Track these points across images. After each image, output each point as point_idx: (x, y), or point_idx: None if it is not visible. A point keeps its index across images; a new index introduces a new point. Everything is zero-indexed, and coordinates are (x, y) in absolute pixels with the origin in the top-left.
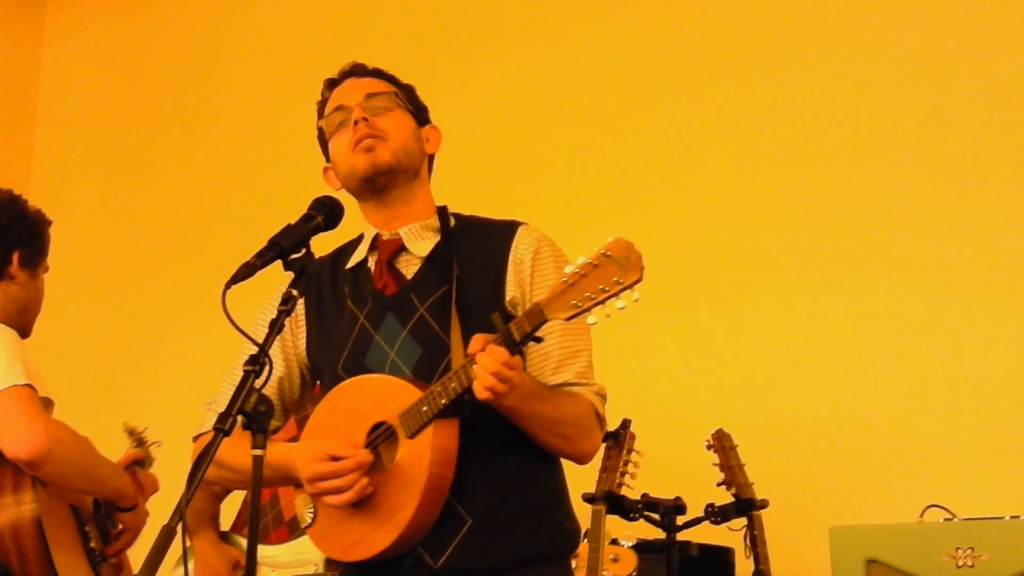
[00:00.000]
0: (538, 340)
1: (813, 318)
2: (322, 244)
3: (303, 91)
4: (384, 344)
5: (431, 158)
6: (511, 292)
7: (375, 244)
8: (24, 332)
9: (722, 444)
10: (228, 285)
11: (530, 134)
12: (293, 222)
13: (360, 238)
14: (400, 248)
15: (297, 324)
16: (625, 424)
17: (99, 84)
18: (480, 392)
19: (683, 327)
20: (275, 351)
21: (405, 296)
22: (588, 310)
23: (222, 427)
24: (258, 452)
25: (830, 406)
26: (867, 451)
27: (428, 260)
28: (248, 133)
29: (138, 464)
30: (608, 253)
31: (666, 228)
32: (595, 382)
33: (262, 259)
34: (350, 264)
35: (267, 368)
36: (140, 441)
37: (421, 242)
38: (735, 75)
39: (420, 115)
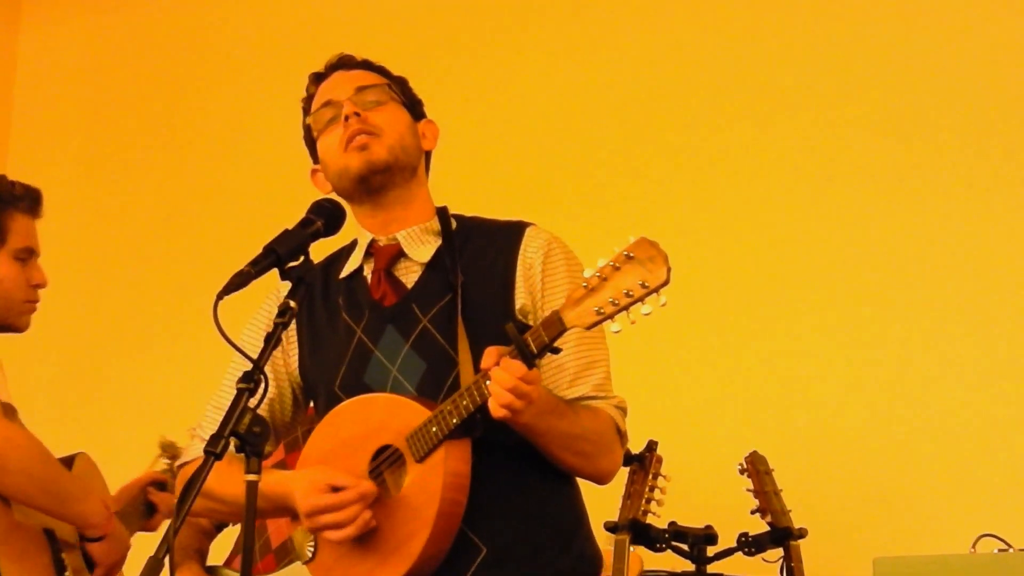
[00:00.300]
0: (556, 351)
1: (856, 331)
2: (319, 251)
3: (295, 84)
4: (385, 360)
5: (428, 155)
6: (521, 299)
7: (371, 250)
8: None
9: (757, 468)
10: (220, 296)
11: (539, 130)
12: (290, 227)
13: (354, 244)
14: (399, 254)
15: (288, 340)
16: (651, 446)
17: (77, 78)
18: (496, 410)
19: (713, 339)
20: (265, 370)
21: (406, 307)
22: (612, 317)
23: (213, 450)
24: (253, 477)
25: (874, 426)
26: (914, 476)
27: (430, 266)
28: (239, 129)
29: (159, 486)
30: (631, 254)
31: (694, 231)
32: (614, 394)
33: (257, 267)
34: (344, 273)
35: (263, 386)
36: (173, 457)
37: (421, 247)
38: (769, 71)
39: (415, 109)
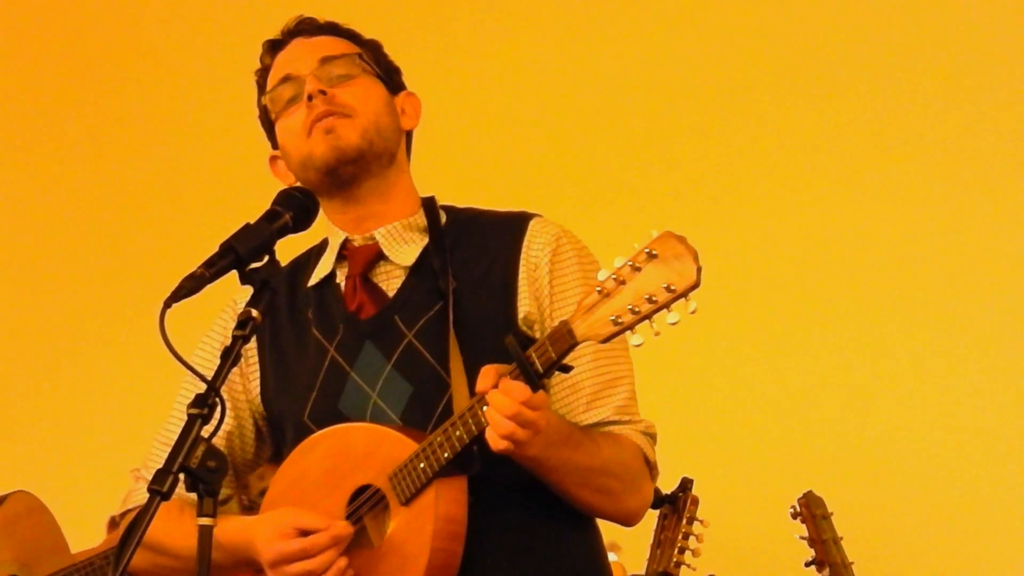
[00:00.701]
0: (567, 370)
1: (927, 354)
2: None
3: (251, 52)
4: (363, 383)
5: (409, 135)
6: (525, 307)
7: (344, 252)
8: None
9: (812, 512)
10: (168, 303)
11: (543, 109)
12: (252, 221)
13: (324, 245)
14: (377, 256)
15: (247, 362)
16: (685, 485)
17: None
18: (496, 442)
19: (759, 355)
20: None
21: (387, 319)
22: (632, 327)
23: (159, 488)
24: (206, 521)
25: (949, 464)
26: (993, 523)
27: (414, 270)
28: (187, 106)
29: None
30: (654, 252)
31: (739, 231)
32: (640, 418)
33: (212, 269)
34: (313, 280)
35: (218, 411)
36: None
37: (404, 247)
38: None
39: (391, 80)
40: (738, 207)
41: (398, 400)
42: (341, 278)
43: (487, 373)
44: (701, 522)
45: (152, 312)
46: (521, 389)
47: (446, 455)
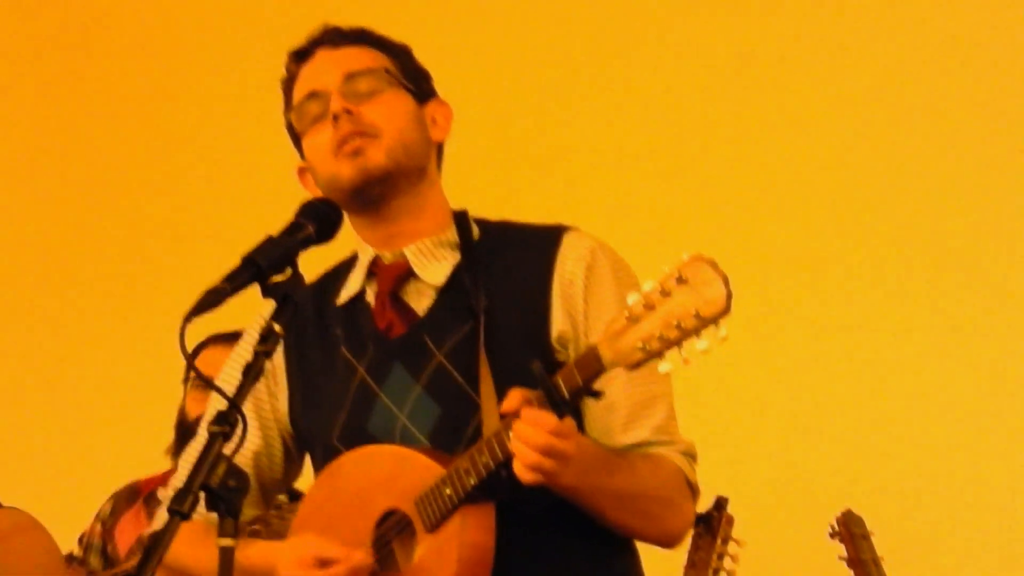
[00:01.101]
0: (595, 395)
1: (972, 370)
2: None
3: (272, 50)
4: (391, 404)
5: (440, 147)
6: (559, 326)
7: (374, 269)
8: None
9: (851, 531)
10: (188, 317)
11: (574, 114)
12: (274, 233)
13: (353, 260)
14: (407, 274)
15: (275, 380)
16: (720, 504)
17: None
18: (525, 474)
19: (795, 375)
20: (247, 416)
21: (417, 339)
22: (659, 354)
23: (179, 508)
24: (227, 543)
25: (992, 484)
26: None
27: (445, 288)
28: (205, 107)
29: None
30: (683, 277)
31: (768, 240)
32: (680, 438)
33: (234, 283)
34: (343, 298)
35: (240, 428)
36: None
37: (434, 264)
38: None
39: (421, 89)
40: (771, 221)
41: (427, 422)
42: (371, 296)
43: (513, 396)
44: (736, 542)
45: (173, 326)
46: (547, 418)
47: (472, 481)
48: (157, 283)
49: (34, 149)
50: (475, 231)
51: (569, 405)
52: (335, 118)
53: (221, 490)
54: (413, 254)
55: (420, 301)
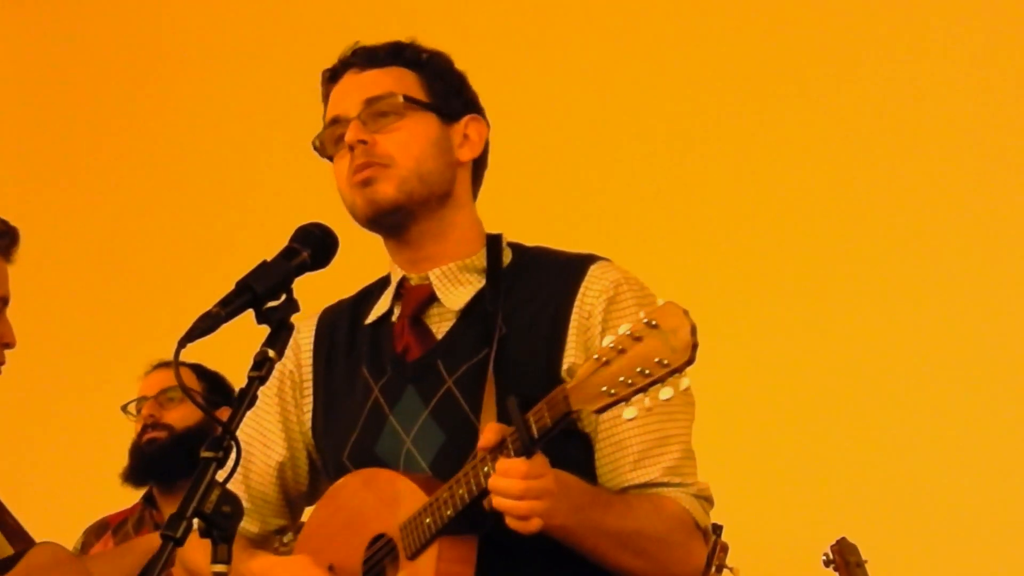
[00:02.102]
0: (572, 436)
1: (966, 394)
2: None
3: (283, 64)
4: (400, 428)
5: (478, 164)
6: (571, 357)
7: (401, 291)
8: None
9: (846, 559)
10: (183, 343)
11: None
12: (269, 258)
13: (387, 281)
14: (430, 297)
15: (302, 393)
16: (714, 531)
17: None
18: (521, 526)
19: (790, 401)
20: (274, 427)
21: (430, 363)
22: (626, 399)
23: (172, 534)
24: (220, 568)
25: (987, 511)
26: None
27: (465, 314)
28: (201, 124)
29: None
30: (654, 323)
31: (758, 267)
32: (695, 480)
33: (228, 308)
34: (371, 318)
35: (233, 454)
36: None
37: (457, 289)
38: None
39: (450, 107)
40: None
41: (430, 448)
42: (396, 317)
43: (490, 431)
44: (731, 569)
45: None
46: (516, 466)
47: (449, 512)
48: (145, 311)
49: (34, 149)
50: (507, 256)
51: (537, 444)
52: (351, 148)
53: (215, 516)
54: (437, 278)
55: (441, 325)
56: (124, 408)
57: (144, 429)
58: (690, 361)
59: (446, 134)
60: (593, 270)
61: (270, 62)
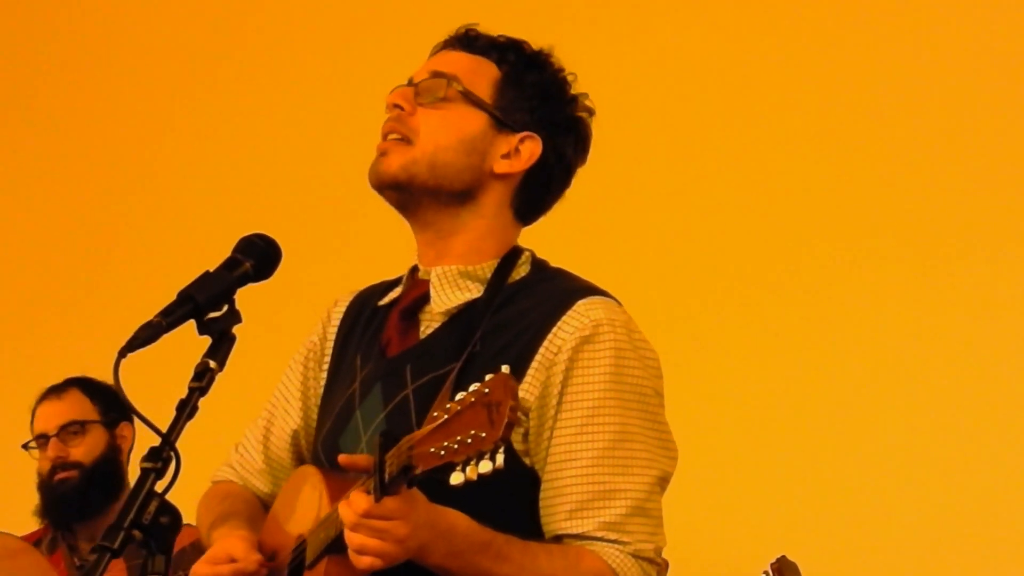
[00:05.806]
0: (523, 473)
1: (909, 411)
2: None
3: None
4: (361, 425)
5: (528, 183)
6: (526, 393)
7: (411, 280)
8: None
9: None
10: (123, 353)
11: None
12: (211, 268)
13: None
14: (427, 295)
15: (321, 367)
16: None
17: None
18: (355, 559)
19: (728, 417)
20: (294, 396)
21: (400, 366)
22: (453, 466)
23: (110, 545)
24: None
25: (934, 521)
26: None
27: (451, 322)
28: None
29: None
30: (487, 391)
31: (713, 280)
32: (644, 539)
33: (169, 318)
34: (383, 302)
35: (172, 465)
36: None
37: (452, 293)
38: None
39: (512, 117)
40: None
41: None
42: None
43: (355, 460)
44: None
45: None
46: (358, 500)
47: (331, 532)
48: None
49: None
50: (522, 272)
51: (385, 490)
52: (390, 108)
53: (153, 528)
54: (437, 277)
55: (429, 326)
56: (26, 446)
57: (53, 470)
58: (501, 439)
59: (491, 139)
60: (579, 305)
61: (246, 64)
